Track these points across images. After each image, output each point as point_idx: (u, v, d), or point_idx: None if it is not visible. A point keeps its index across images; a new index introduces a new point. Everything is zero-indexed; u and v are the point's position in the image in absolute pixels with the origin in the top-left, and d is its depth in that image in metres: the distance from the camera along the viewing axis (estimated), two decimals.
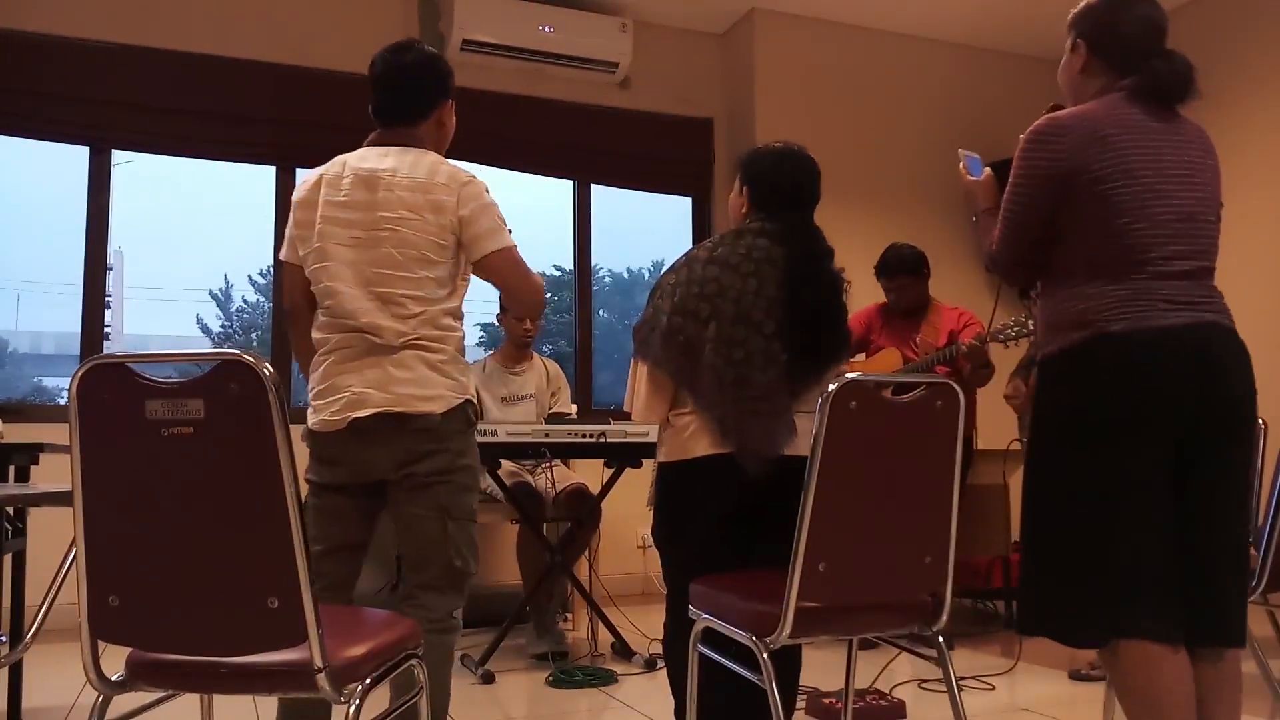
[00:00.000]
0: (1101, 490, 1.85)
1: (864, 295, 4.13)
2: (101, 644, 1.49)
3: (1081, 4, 2.04)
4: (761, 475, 2.06)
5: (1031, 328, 3.58)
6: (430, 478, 2.08)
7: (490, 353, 4.35)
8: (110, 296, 5.41)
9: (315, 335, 2.15)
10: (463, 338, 2.18)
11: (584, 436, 3.60)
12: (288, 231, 2.22)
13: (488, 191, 2.17)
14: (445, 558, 2.11)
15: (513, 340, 4.21)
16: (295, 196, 2.21)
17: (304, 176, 2.23)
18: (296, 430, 1.45)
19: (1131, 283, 1.85)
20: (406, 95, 2.20)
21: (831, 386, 1.75)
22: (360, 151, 2.19)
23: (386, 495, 2.14)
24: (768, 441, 2.08)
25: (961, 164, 2.23)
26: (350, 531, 2.16)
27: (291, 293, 2.22)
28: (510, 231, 2.18)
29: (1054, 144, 1.89)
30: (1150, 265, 1.85)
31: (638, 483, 3.82)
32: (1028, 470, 2.00)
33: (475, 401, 2.18)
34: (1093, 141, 1.87)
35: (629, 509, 4.38)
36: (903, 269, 4.05)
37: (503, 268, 2.16)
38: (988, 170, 2.18)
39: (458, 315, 2.17)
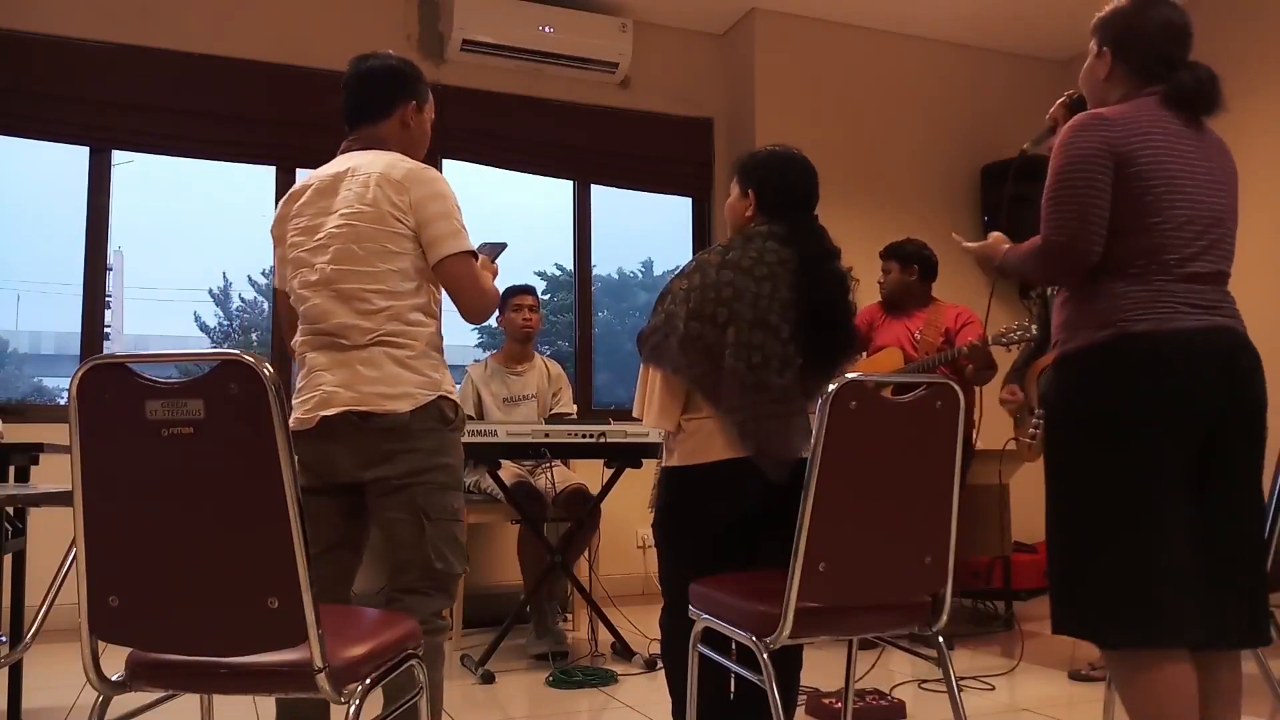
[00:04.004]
0: (1127, 493, 1.84)
1: (867, 295, 4.13)
2: (101, 644, 1.49)
3: (1107, 9, 2.03)
4: (781, 478, 2.06)
5: (1035, 332, 3.59)
6: (403, 479, 2.04)
7: (491, 353, 4.35)
8: (110, 296, 5.41)
9: (296, 340, 2.15)
10: (435, 333, 2.14)
11: (584, 436, 3.60)
12: (275, 256, 2.24)
13: (446, 188, 2.14)
14: (424, 560, 2.07)
15: (512, 336, 4.21)
16: (272, 220, 2.23)
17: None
18: None
19: (1154, 283, 1.85)
20: (366, 96, 2.21)
21: (831, 386, 1.75)
22: (333, 160, 2.20)
23: (364, 496, 2.12)
24: (786, 445, 2.08)
25: (961, 243, 2.26)
26: (334, 532, 2.13)
27: (280, 323, 2.24)
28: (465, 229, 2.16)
29: (1103, 129, 1.88)
30: (1173, 266, 1.85)
31: (638, 483, 3.82)
32: (1049, 469, 1.98)
33: (453, 397, 2.14)
34: (1137, 134, 1.87)
35: (629, 509, 4.39)
36: (892, 254, 4.12)
37: (456, 273, 2.12)
38: (992, 233, 2.18)
39: (429, 312, 2.13)
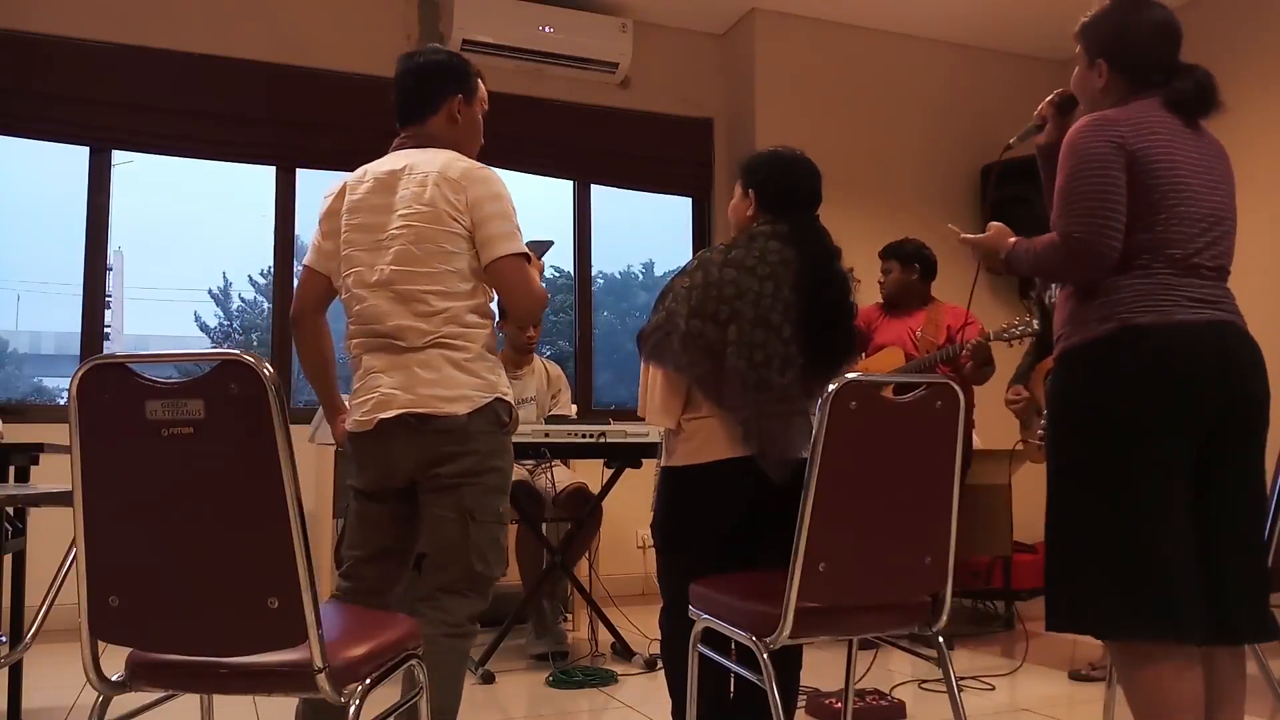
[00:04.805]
0: (1129, 486, 1.85)
1: (868, 296, 4.13)
2: (101, 644, 1.49)
3: (1091, 14, 2.03)
4: (783, 479, 2.06)
5: (1036, 327, 3.59)
6: (455, 479, 2.05)
7: None
8: (110, 296, 5.41)
9: (349, 342, 2.16)
10: (490, 335, 2.14)
11: (584, 436, 3.60)
12: (313, 240, 2.23)
13: (502, 188, 2.14)
14: (465, 561, 2.07)
15: (514, 346, 4.21)
16: (321, 208, 2.22)
17: (329, 187, 2.24)
18: (297, 430, 1.45)
19: (1156, 277, 1.86)
20: (412, 93, 2.22)
21: (831, 386, 1.75)
22: (384, 157, 2.20)
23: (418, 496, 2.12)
24: (787, 444, 2.08)
25: (959, 234, 2.23)
26: (387, 537, 2.15)
27: (304, 298, 2.21)
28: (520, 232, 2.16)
29: (1111, 129, 1.88)
30: (1176, 261, 1.87)
31: (638, 483, 3.82)
32: (1051, 464, 1.99)
33: (509, 399, 2.14)
34: (1145, 133, 1.88)
35: (629, 509, 4.39)
36: (892, 254, 4.13)
37: (509, 273, 2.10)
38: (992, 224, 2.14)
39: (484, 313, 2.14)
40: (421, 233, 2.06)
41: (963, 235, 2.20)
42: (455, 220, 2.07)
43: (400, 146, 2.21)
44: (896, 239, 4.20)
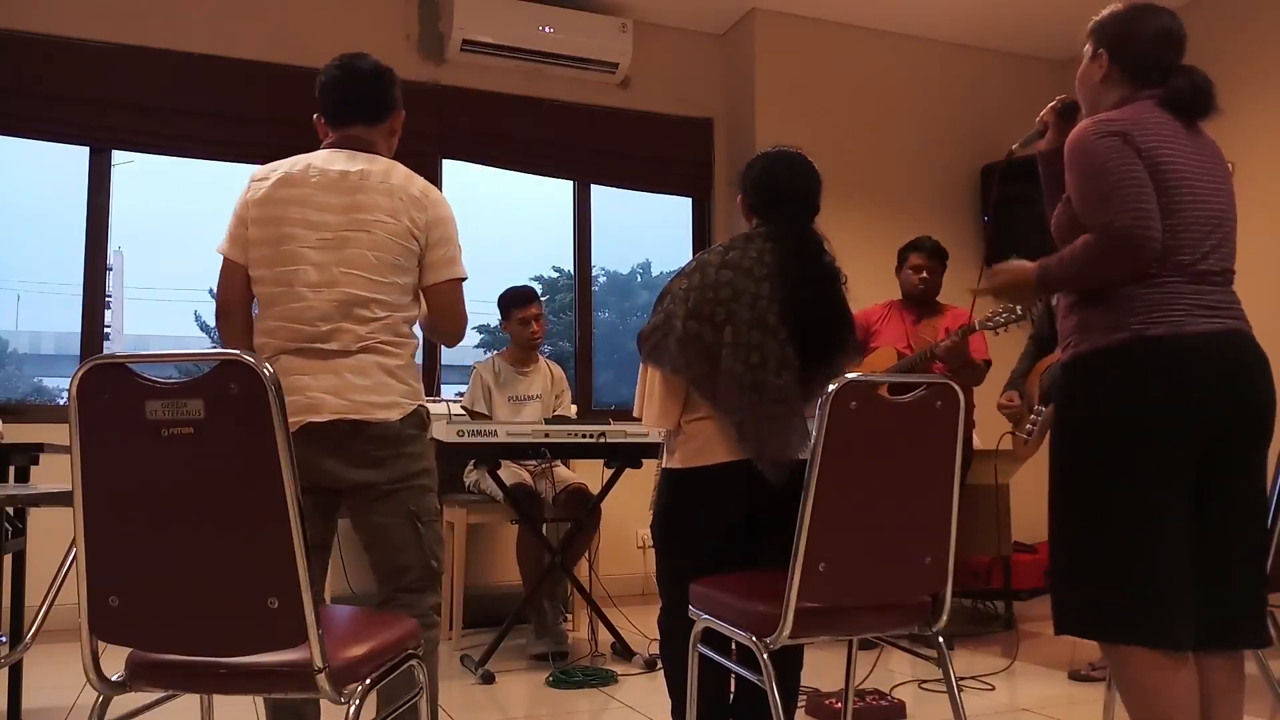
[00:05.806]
0: (1134, 492, 1.85)
1: (862, 294, 4.12)
2: (101, 644, 1.49)
3: (1103, 12, 2.04)
4: (781, 480, 2.06)
5: (1020, 313, 3.54)
6: (394, 485, 2.06)
7: (496, 352, 4.35)
8: (110, 296, 5.40)
9: (262, 339, 2.08)
10: (417, 347, 2.18)
11: (584, 437, 3.60)
12: (232, 229, 2.12)
13: (452, 213, 2.19)
14: (424, 561, 2.11)
15: (519, 344, 4.22)
16: (250, 195, 2.12)
17: (257, 173, 2.15)
18: None
19: (1166, 286, 1.86)
20: (363, 95, 2.20)
21: (831, 387, 1.75)
22: (323, 154, 2.15)
23: (342, 497, 2.12)
24: (784, 446, 2.08)
25: (975, 290, 2.24)
26: (315, 532, 2.09)
27: (232, 289, 2.12)
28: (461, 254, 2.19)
29: (1120, 128, 1.88)
30: (1183, 268, 1.86)
31: (638, 483, 3.82)
32: (1055, 469, 1.99)
33: (426, 404, 2.19)
34: (1151, 135, 1.88)
35: (629, 509, 4.39)
36: (938, 254, 4.10)
37: (447, 297, 2.16)
38: (1006, 266, 2.13)
39: (413, 324, 2.17)
40: (381, 241, 2.06)
41: (981, 287, 2.18)
42: (414, 238, 2.10)
43: (338, 145, 2.16)
44: (894, 238, 4.18)
